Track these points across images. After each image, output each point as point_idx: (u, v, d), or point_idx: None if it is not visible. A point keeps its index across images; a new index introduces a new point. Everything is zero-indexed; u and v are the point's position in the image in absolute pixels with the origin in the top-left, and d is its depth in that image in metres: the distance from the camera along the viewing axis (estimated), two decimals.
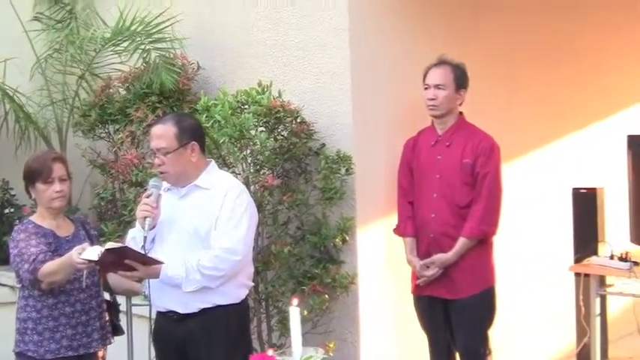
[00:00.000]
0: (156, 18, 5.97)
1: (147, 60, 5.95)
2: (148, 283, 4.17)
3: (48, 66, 6.75)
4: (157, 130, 4.27)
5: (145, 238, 4.14)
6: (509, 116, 6.14)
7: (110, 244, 4.06)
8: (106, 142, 6.17)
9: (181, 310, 4.16)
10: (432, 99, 5.11)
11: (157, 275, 4.07)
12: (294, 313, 2.05)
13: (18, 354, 4.33)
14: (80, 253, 4.04)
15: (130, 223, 5.38)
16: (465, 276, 5.08)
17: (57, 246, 4.33)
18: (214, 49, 6.06)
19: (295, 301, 2.69)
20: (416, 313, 5.32)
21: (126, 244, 4.18)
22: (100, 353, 4.52)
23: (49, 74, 6.80)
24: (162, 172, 4.24)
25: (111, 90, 6.14)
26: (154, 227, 4.19)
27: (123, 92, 6.10)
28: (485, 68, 5.82)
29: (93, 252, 3.98)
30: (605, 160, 6.67)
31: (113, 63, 6.33)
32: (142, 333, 4.90)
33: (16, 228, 4.48)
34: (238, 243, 4.13)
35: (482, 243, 5.12)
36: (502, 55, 6.17)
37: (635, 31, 7.41)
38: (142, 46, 5.93)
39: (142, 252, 4.07)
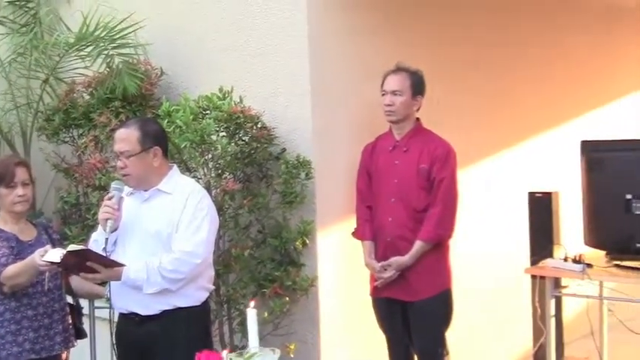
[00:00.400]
0: (120, 23, 5.98)
1: (110, 65, 5.98)
2: (109, 285, 4.24)
3: (12, 70, 6.73)
4: (121, 133, 4.34)
5: (107, 239, 4.20)
6: (466, 122, 6.24)
7: (72, 247, 4.11)
8: (70, 147, 6.20)
9: (142, 312, 4.22)
10: (389, 105, 5.20)
11: (118, 277, 4.14)
12: (251, 315, 2.12)
13: None
14: (42, 256, 4.10)
15: (93, 227, 5.39)
16: (422, 278, 5.16)
17: (19, 250, 4.39)
18: (177, 55, 6.10)
19: (252, 303, 2.78)
20: (374, 314, 5.39)
21: (88, 247, 4.23)
22: (63, 356, 4.58)
23: (12, 78, 6.78)
24: (124, 175, 4.31)
25: (74, 95, 6.17)
26: (115, 229, 4.26)
27: (87, 97, 6.13)
28: (442, 75, 5.90)
29: (55, 254, 4.04)
30: (559, 165, 6.74)
31: (77, 68, 6.34)
32: (104, 336, 4.93)
33: None
34: (199, 246, 4.21)
35: (439, 246, 5.20)
36: (458, 62, 6.26)
37: (587, 41, 7.58)
38: (106, 52, 5.96)
39: (104, 254, 4.13)
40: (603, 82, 7.85)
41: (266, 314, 5.19)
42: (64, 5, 6.90)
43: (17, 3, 6.90)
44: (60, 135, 6.19)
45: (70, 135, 6.18)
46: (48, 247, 4.23)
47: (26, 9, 6.94)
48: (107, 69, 6.01)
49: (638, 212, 5.08)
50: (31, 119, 6.60)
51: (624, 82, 8.22)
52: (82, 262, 4.06)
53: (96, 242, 4.33)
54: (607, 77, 7.90)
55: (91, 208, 5.81)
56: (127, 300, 4.24)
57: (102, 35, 5.96)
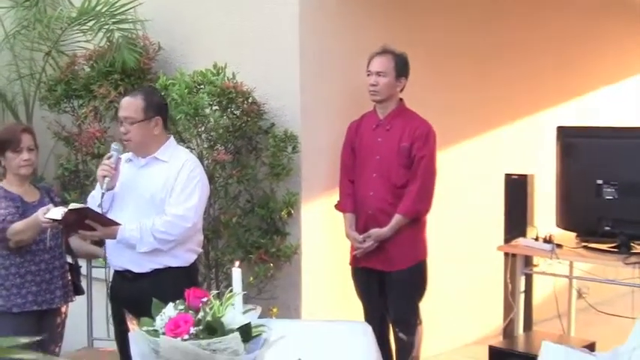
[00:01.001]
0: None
1: (110, 39, 6.10)
2: (106, 243, 4.49)
3: (16, 42, 6.81)
4: (127, 101, 4.55)
5: (103, 194, 4.42)
6: (447, 105, 6.37)
7: (73, 205, 4.35)
8: (71, 116, 6.31)
9: (135, 270, 4.44)
10: (374, 85, 5.39)
11: (114, 236, 4.37)
12: (236, 273, 2.37)
13: None
14: (45, 213, 4.34)
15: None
16: (399, 250, 5.36)
17: (24, 210, 4.62)
18: (174, 31, 6.22)
19: (237, 262, 3.00)
20: (353, 283, 5.59)
21: (87, 206, 4.45)
22: (63, 309, 4.81)
23: (17, 50, 6.87)
24: (126, 140, 4.52)
25: (76, 67, 6.28)
26: (112, 188, 4.48)
27: (87, 69, 6.24)
28: (426, 58, 6.07)
29: (57, 212, 4.28)
30: (536, 148, 6.89)
31: (79, 41, 6.44)
32: (100, 293, 5.24)
33: None
34: (189, 211, 4.43)
35: (416, 220, 5.40)
36: (442, 47, 6.43)
37: (570, 29, 7.68)
38: (106, 26, 6.08)
39: (100, 211, 4.36)
40: (585, 69, 7.91)
41: (251, 278, 5.36)
42: None
43: None
44: (61, 105, 6.30)
45: (71, 105, 6.30)
46: (50, 205, 4.48)
47: None
48: (107, 43, 6.12)
49: (608, 197, 5.23)
50: (33, 89, 6.70)
51: (607, 70, 8.28)
52: (81, 220, 4.29)
53: (93, 198, 4.57)
54: (589, 65, 7.96)
55: (90, 174, 6.00)
56: (121, 258, 4.48)
57: (103, 10, 6.08)
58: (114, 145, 4.59)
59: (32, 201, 4.73)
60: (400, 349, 5.56)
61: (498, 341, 5.71)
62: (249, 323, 2.17)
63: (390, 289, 5.48)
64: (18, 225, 4.52)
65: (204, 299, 2.21)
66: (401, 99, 5.51)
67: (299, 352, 2.79)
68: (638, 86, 8.72)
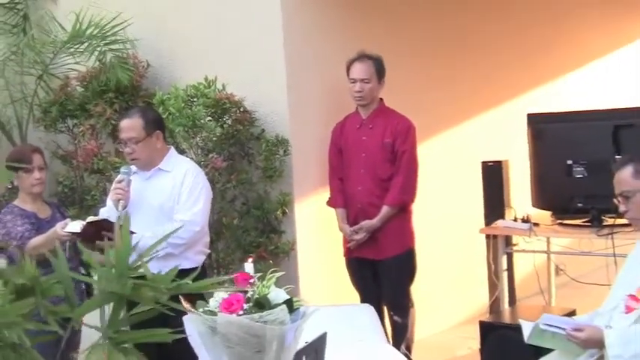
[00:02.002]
0: (111, 22, 6.29)
1: (102, 60, 6.29)
2: None
3: (7, 68, 6.90)
4: (126, 123, 4.83)
5: (119, 217, 4.63)
6: (424, 100, 6.63)
7: (91, 218, 4.61)
8: (67, 136, 6.52)
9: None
10: (359, 91, 5.70)
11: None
12: (249, 266, 2.71)
13: None
14: (63, 227, 4.57)
15: (91, 207, 5.90)
16: (389, 239, 5.68)
17: (38, 226, 4.84)
18: (162, 48, 6.43)
19: (250, 259, 3.25)
20: (348, 273, 5.89)
21: (105, 218, 4.69)
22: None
23: (8, 75, 6.94)
24: (133, 159, 4.81)
25: (69, 88, 6.47)
26: (125, 207, 4.73)
27: (81, 90, 6.43)
28: (403, 58, 6.40)
29: (75, 225, 4.52)
30: (508, 136, 7.06)
31: (69, 63, 6.61)
32: None
33: (2, 211, 4.95)
34: (197, 216, 4.75)
35: (403, 210, 5.73)
36: (418, 45, 6.72)
37: (540, 18, 7.93)
38: (99, 48, 6.29)
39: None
40: (551, 56, 8.10)
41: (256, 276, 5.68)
42: (51, 5, 7.11)
43: (7, 5, 7.10)
44: (57, 125, 6.50)
45: (66, 125, 6.51)
46: (68, 220, 4.72)
47: (15, 10, 7.11)
48: (100, 64, 6.32)
49: (578, 176, 5.48)
50: (26, 112, 6.81)
51: (574, 55, 8.52)
52: (98, 231, 4.50)
53: (102, 214, 4.85)
54: (555, 52, 8.15)
55: (89, 190, 6.26)
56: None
57: (94, 33, 6.28)
58: (123, 169, 4.85)
59: (45, 217, 4.94)
60: (396, 331, 5.83)
61: (487, 316, 5.93)
62: (292, 298, 2.56)
63: (383, 276, 5.79)
64: (36, 240, 4.72)
65: (251, 280, 2.58)
66: (381, 98, 5.82)
67: (316, 331, 3.16)
68: (606, 68, 8.96)
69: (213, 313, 2.49)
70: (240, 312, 2.47)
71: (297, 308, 2.56)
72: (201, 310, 2.52)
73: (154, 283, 2.16)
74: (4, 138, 7.09)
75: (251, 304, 2.49)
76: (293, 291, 5.56)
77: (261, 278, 2.60)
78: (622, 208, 4.00)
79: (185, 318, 2.59)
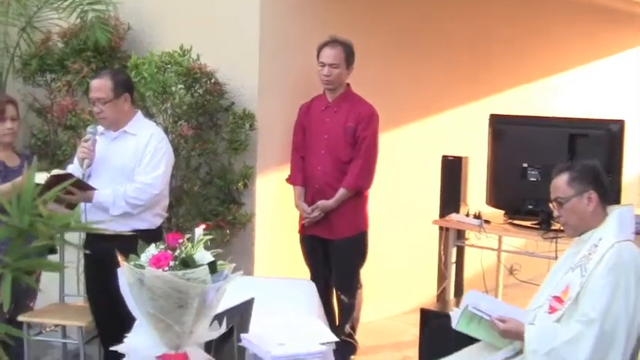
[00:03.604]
0: None
1: (84, 19, 6.36)
2: (83, 207, 4.83)
3: None
4: (96, 83, 4.98)
5: (84, 175, 4.87)
6: (391, 90, 6.78)
7: (56, 171, 4.74)
8: (44, 90, 6.62)
9: (107, 232, 4.82)
10: (327, 75, 5.84)
11: (90, 199, 4.81)
12: (199, 231, 2.90)
13: None
14: None
15: (62, 162, 6.03)
16: (343, 220, 5.86)
17: (6, 174, 5.03)
18: (142, 13, 6.50)
19: (202, 226, 3.37)
20: (301, 249, 6.07)
21: (69, 172, 4.84)
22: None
23: None
24: (101, 118, 4.97)
25: (50, 43, 6.56)
26: (89, 166, 4.92)
27: (61, 46, 6.52)
28: (373, 46, 6.51)
29: (40, 177, 4.53)
30: (471, 133, 7.11)
31: (52, 18, 6.64)
32: (70, 253, 5.64)
33: None
34: (157, 179, 4.90)
35: (359, 194, 5.90)
36: (390, 35, 6.82)
37: (511, 18, 8.03)
38: (81, 6, 6.36)
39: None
40: (521, 62, 8.24)
41: (209, 243, 5.83)
42: None
43: None
44: (35, 78, 6.59)
45: (45, 79, 6.60)
46: None
47: None
48: (81, 22, 6.40)
49: (531, 179, 5.62)
50: (7, 62, 6.83)
51: (546, 63, 8.60)
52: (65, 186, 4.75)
53: (71, 171, 4.97)
54: (526, 58, 8.29)
55: (62, 145, 6.39)
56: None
57: None
58: (89, 129, 5.01)
59: (13, 166, 5.13)
60: (343, 310, 6.04)
61: (431, 304, 6.09)
62: (215, 260, 2.76)
63: (334, 256, 5.98)
64: (1, 188, 4.87)
65: (180, 240, 2.78)
66: (348, 84, 5.97)
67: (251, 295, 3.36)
68: (575, 80, 9.08)
69: (142, 266, 2.68)
70: (166, 268, 2.67)
71: (221, 270, 2.75)
72: (132, 263, 2.71)
73: (48, 221, 2.49)
74: None
75: (177, 262, 2.69)
76: (247, 262, 5.93)
77: (190, 240, 2.79)
78: (556, 213, 4.20)
79: (119, 270, 2.78)
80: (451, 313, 4.30)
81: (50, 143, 6.69)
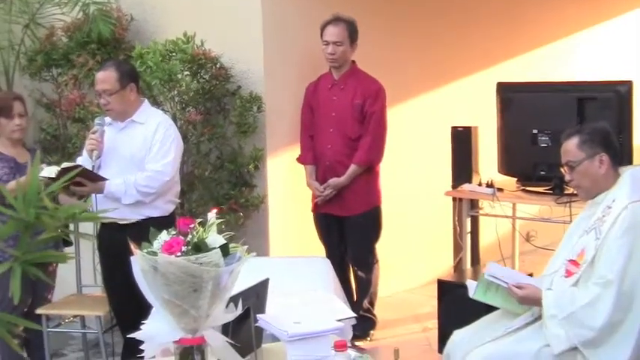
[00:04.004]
0: None
1: (86, 12, 6.39)
2: (95, 198, 4.89)
3: None
4: (101, 75, 5.00)
5: (93, 166, 4.90)
6: (398, 64, 6.77)
7: (66, 164, 4.78)
8: (51, 84, 6.65)
9: (120, 221, 4.80)
10: (332, 54, 5.85)
11: (101, 190, 4.84)
12: (211, 215, 2.91)
13: None
14: (39, 172, 4.83)
15: (72, 155, 6.02)
16: (356, 197, 5.89)
17: (17, 170, 5.06)
18: (145, 2, 6.53)
19: (215, 210, 3.37)
20: (315, 228, 6.10)
21: (79, 164, 4.86)
22: None
23: None
24: (108, 110, 4.99)
25: (54, 38, 6.58)
26: (99, 157, 4.94)
27: (65, 40, 6.55)
28: (376, 22, 6.52)
29: (51, 170, 4.66)
30: (479, 103, 7.03)
31: (55, 14, 6.68)
32: (86, 245, 5.68)
33: None
34: (167, 166, 4.93)
35: (370, 170, 5.92)
36: (393, 9, 6.81)
37: None
38: (82, 0, 6.38)
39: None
40: (527, 28, 8.20)
41: (223, 226, 5.85)
42: None
43: None
44: (42, 74, 6.63)
45: (51, 74, 6.63)
46: (43, 165, 4.89)
47: None
48: (84, 15, 6.43)
49: (542, 145, 5.60)
50: (13, 60, 6.88)
51: (549, 29, 8.55)
52: (72, 177, 4.76)
53: (81, 162, 5.00)
54: (531, 24, 8.23)
55: (71, 138, 6.41)
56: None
57: None
58: (97, 121, 5.04)
59: (24, 162, 5.14)
60: (360, 286, 6.08)
61: (448, 275, 6.13)
62: (227, 243, 2.77)
63: (349, 232, 6.00)
64: (13, 184, 4.83)
65: (192, 225, 2.79)
66: (353, 61, 5.98)
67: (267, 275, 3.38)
68: (579, 44, 9.03)
69: (154, 253, 2.70)
70: (179, 253, 2.68)
71: (234, 252, 2.77)
72: (145, 251, 2.72)
73: (54, 213, 2.54)
74: None
75: (189, 247, 2.70)
76: (262, 243, 5.95)
77: (202, 224, 2.81)
78: (567, 177, 4.19)
79: (132, 258, 2.80)
80: (468, 283, 4.31)
81: (60, 137, 6.73)
